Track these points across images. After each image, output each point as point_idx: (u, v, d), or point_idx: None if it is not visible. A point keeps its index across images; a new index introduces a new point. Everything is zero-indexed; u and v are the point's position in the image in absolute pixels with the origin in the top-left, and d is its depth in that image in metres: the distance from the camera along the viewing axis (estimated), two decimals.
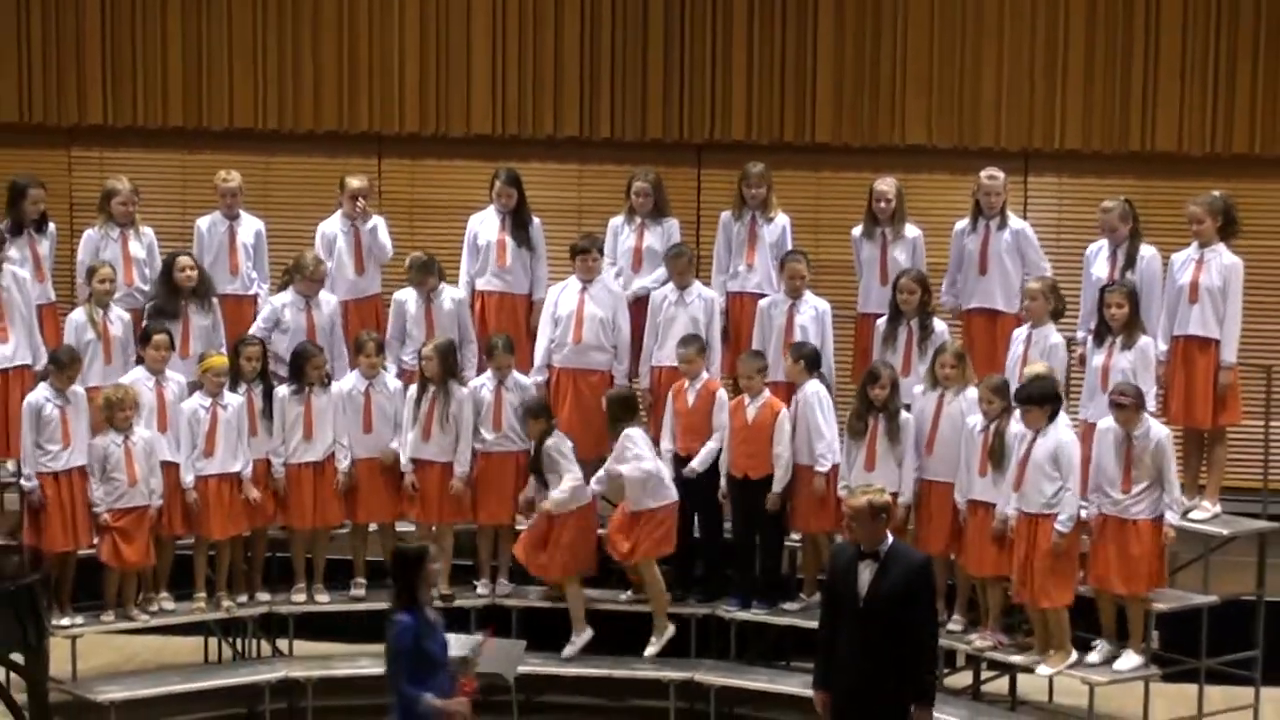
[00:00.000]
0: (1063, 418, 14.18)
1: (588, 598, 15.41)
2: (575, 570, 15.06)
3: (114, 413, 14.62)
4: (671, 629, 14.97)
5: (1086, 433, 14.44)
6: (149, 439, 14.81)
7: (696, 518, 15.43)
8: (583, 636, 14.91)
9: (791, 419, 15.04)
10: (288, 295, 15.74)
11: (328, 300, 15.81)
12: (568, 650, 14.89)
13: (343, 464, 15.32)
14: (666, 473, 15.07)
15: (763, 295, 15.82)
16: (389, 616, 10.94)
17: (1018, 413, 14.24)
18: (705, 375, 15.24)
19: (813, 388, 15.00)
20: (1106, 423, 14.20)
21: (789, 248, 15.89)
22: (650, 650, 15.09)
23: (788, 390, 15.17)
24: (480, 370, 15.67)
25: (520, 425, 15.36)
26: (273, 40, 18.53)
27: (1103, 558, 14.14)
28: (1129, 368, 14.54)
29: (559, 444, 14.97)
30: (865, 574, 12.09)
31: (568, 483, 14.79)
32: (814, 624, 12.76)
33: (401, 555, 11.23)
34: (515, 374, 15.46)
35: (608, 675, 15.25)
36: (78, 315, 15.42)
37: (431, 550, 11.46)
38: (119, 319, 15.42)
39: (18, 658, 13.73)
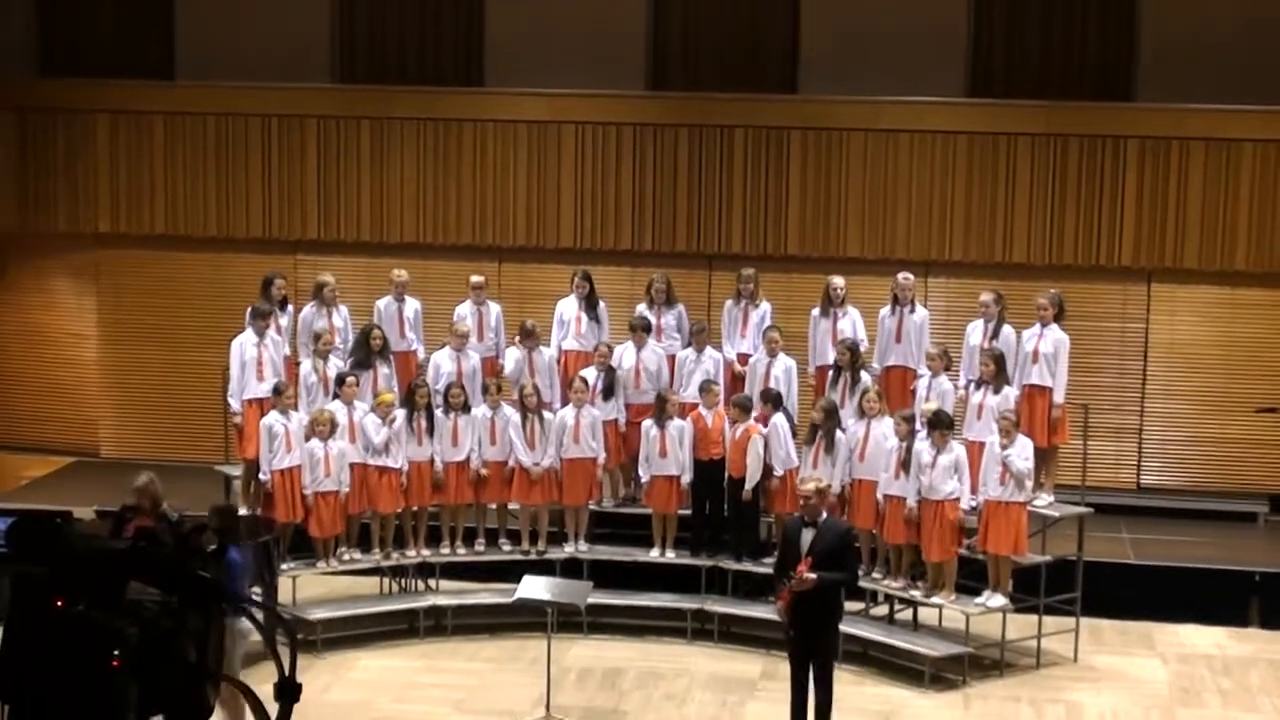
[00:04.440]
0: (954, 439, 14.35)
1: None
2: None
3: (317, 428, 14.76)
4: None
5: (969, 448, 14.43)
6: (341, 447, 14.83)
7: (707, 504, 15.37)
8: None
9: (764, 439, 14.97)
10: (446, 352, 15.73)
11: (468, 355, 15.77)
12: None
13: (475, 463, 15.32)
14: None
15: (750, 356, 15.77)
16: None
17: (921, 434, 14.33)
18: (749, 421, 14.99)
19: (778, 419, 14.96)
20: (992, 441, 14.27)
21: (769, 324, 15.81)
22: None
23: (764, 419, 14.98)
24: (564, 403, 15.56)
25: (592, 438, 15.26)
26: (428, 181, 18.32)
27: (989, 531, 14.23)
28: (996, 404, 14.54)
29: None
30: (807, 536, 12.53)
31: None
32: None
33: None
34: (589, 405, 15.33)
35: (645, 605, 15.32)
36: (306, 365, 15.47)
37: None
38: (333, 367, 15.40)
39: (257, 589, 13.68)
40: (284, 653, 3.58)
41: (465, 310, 16.25)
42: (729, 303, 16.33)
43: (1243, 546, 16.80)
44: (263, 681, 3.56)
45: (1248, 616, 15.78)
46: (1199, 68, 17.43)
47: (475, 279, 16.45)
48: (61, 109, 18.77)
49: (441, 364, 15.79)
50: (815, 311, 15.92)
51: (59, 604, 3.06)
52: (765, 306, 16.11)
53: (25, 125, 18.80)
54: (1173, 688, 14.32)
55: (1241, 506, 17.67)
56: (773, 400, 15.12)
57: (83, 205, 18.87)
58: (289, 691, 3.17)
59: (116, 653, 2.99)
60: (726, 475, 15.26)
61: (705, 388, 15.33)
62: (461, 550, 15.62)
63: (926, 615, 14.90)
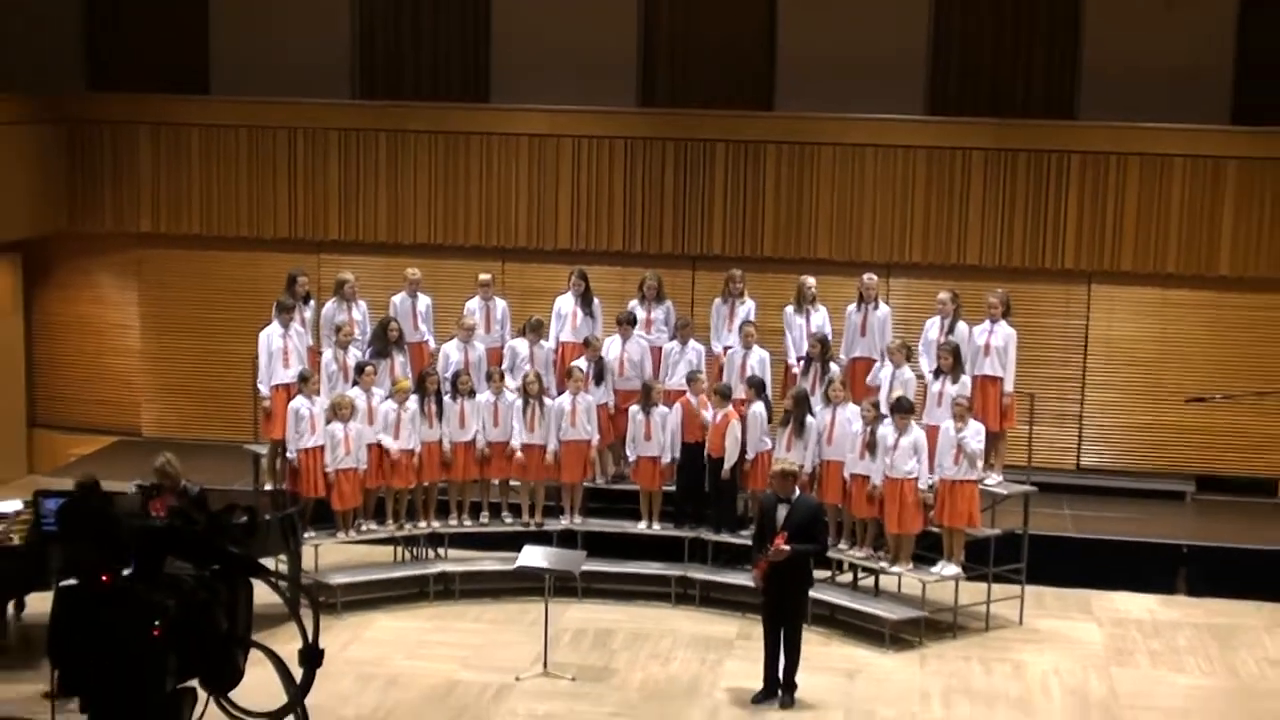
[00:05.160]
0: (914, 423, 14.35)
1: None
2: None
3: (338, 412, 14.75)
4: None
5: (929, 431, 14.46)
6: (359, 428, 14.83)
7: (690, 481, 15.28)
8: None
9: (742, 424, 14.89)
10: (455, 343, 15.71)
11: (475, 346, 15.74)
12: None
13: (480, 444, 15.30)
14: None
15: (730, 348, 15.72)
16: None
17: (886, 419, 14.37)
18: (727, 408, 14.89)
19: (756, 407, 14.94)
20: (947, 425, 14.32)
21: (750, 319, 15.76)
22: None
23: (743, 404, 14.92)
24: (560, 389, 15.49)
25: (587, 422, 15.27)
26: (439, 188, 18.25)
27: (944, 506, 14.31)
28: (953, 393, 14.56)
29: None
30: (781, 511, 12.64)
31: None
32: None
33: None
34: (583, 392, 15.28)
35: (634, 572, 15.32)
36: (328, 354, 15.41)
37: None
38: (352, 356, 15.36)
39: (283, 557, 13.87)
40: (307, 621, 3.60)
41: (474, 305, 16.23)
42: (717, 300, 16.24)
43: (1171, 522, 16.85)
44: (286, 644, 3.58)
45: (1175, 585, 15.84)
46: (1135, 89, 17.47)
47: (483, 277, 16.41)
48: (107, 121, 18.74)
49: (450, 354, 15.74)
50: (789, 309, 15.90)
51: (105, 579, 3.08)
52: (750, 304, 16.06)
53: (74, 136, 18.73)
54: (1107, 649, 14.36)
55: (1171, 486, 17.68)
56: (756, 386, 15.10)
57: (126, 208, 18.84)
58: (312, 657, 3.19)
59: (157, 623, 3.02)
60: (707, 455, 15.19)
61: (693, 378, 15.29)
62: (468, 522, 15.62)
63: (887, 582, 14.95)
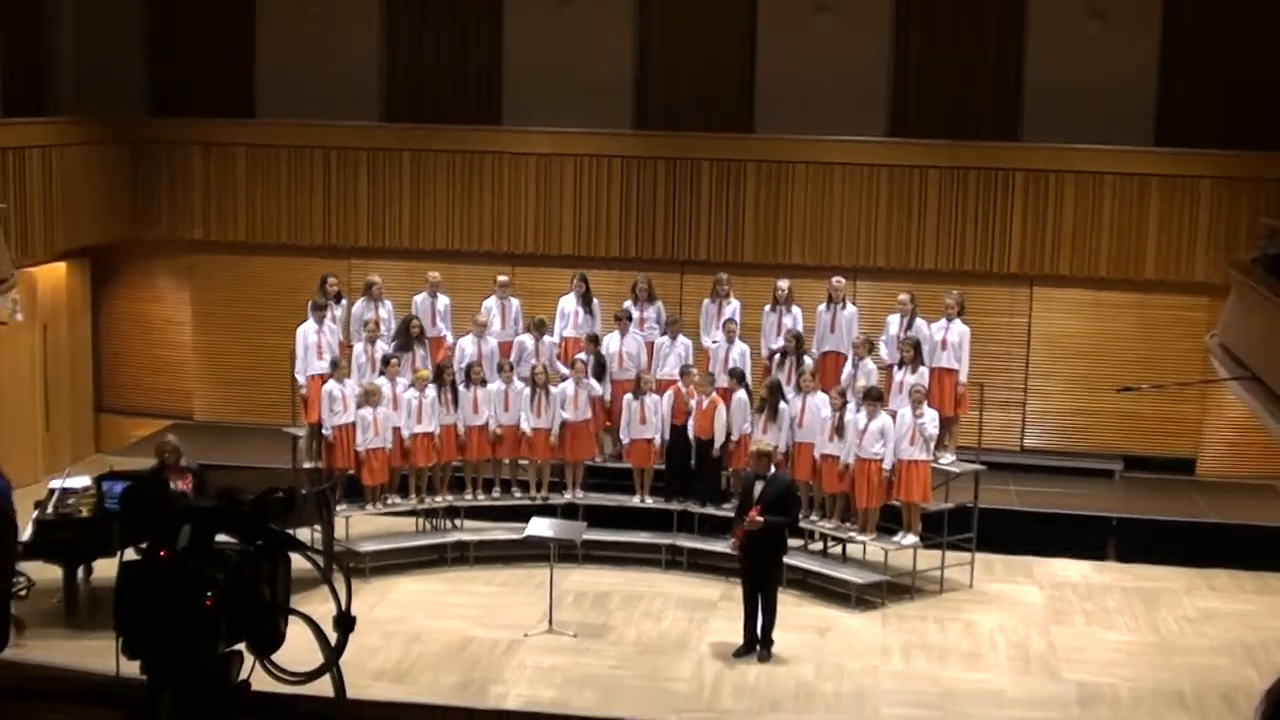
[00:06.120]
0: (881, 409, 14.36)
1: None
2: None
3: (368, 398, 14.75)
4: None
5: (891, 416, 14.41)
6: (386, 413, 14.81)
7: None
8: None
9: (727, 410, 14.91)
10: (469, 338, 15.67)
11: (488, 340, 15.70)
12: None
13: (492, 427, 15.27)
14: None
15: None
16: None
17: (851, 404, 14.36)
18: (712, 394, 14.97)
19: (739, 395, 14.96)
20: (905, 412, 14.35)
21: (734, 318, 15.76)
22: None
23: (726, 392, 15.00)
24: (563, 379, 15.42)
25: (586, 407, 15.23)
26: (457, 200, 18.18)
27: (903, 483, 14.34)
28: (913, 382, 14.59)
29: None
30: (758, 487, 12.67)
31: None
32: None
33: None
34: (586, 381, 15.29)
35: (628, 540, 15.32)
36: (358, 348, 15.42)
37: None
38: (379, 350, 15.36)
39: (318, 527, 13.78)
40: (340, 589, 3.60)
41: (491, 303, 16.20)
42: (706, 300, 16.23)
43: (1103, 497, 16.87)
44: (320, 606, 3.57)
45: (1106, 552, 15.87)
46: (1071, 116, 17.39)
47: (501, 278, 16.43)
48: (164, 141, 18.66)
49: (465, 347, 15.71)
50: (768, 308, 15.92)
51: (162, 555, 3.09)
52: (735, 304, 16.02)
53: (137, 156, 18.65)
54: (1047, 609, 14.40)
55: (1102, 465, 17.68)
56: (738, 377, 15.09)
57: (181, 219, 18.77)
58: (346, 623, 3.20)
59: (210, 594, 3.03)
60: (694, 437, 15.22)
61: (685, 371, 15.26)
62: (481, 496, 15.60)
63: (853, 550, 15.00)
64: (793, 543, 13.92)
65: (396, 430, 15.02)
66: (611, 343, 15.74)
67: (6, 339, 15.73)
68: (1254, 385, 11.51)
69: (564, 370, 15.62)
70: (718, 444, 15.00)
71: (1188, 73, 17.76)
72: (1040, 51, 17.82)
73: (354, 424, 14.81)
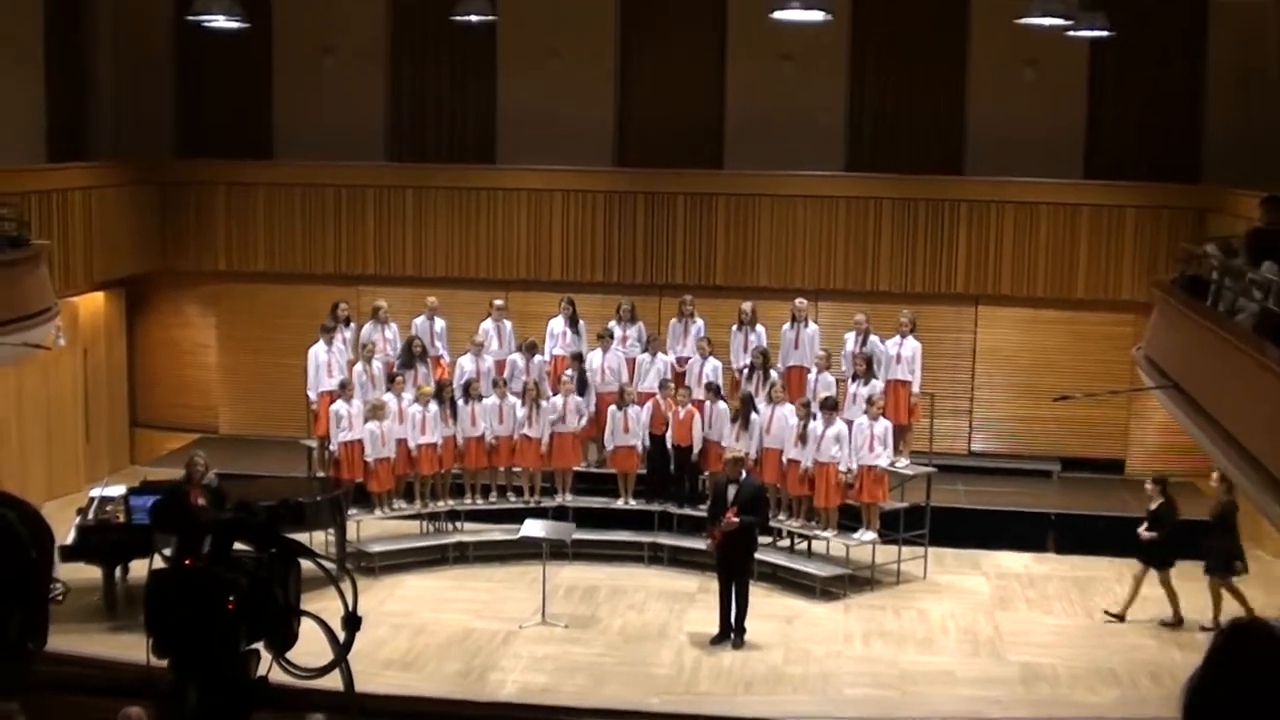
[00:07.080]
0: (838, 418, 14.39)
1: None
2: None
3: (375, 413, 14.74)
4: None
5: (848, 425, 14.39)
6: (392, 426, 14.83)
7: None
8: None
9: (704, 420, 14.93)
10: (468, 357, 15.63)
11: (484, 359, 15.68)
12: None
13: (488, 438, 15.23)
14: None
15: (688, 358, 15.78)
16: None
17: (816, 415, 14.35)
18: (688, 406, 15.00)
19: (719, 405, 14.95)
20: (861, 421, 14.36)
21: (702, 335, 15.81)
22: None
23: (701, 404, 15.05)
24: (553, 394, 15.32)
25: (578, 417, 15.19)
26: (455, 232, 18.13)
27: (863, 484, 14.33)
28: (866, 394, 14.63)
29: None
30: (731, 490, 12.73)
31: None
32: None
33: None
34: (573, 395, 15.29)
35: (613, 539, 15.30)
36: (359, 367, 15.40)
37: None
38: (375, 368, 15.38)
39: (331, 531, 13.88)
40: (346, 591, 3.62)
41: (488, 325, 16.18)
42: (673, 320, 16.32)
43: (1042, 494, 16.89)
44: (328, 604, 3.59)
45: (1046, 545, 15.88)
46: (1010, 152, 17.42)
47: (497, 302, 16.43)
48: (191, 182, 18.63)
49: (464, 365, 15.71)
50: (734, 327, 15.96)
51: (188, 563, 3.11)
52: (700, 322, 16.08)
53: (166, 194, 18.62)
54: (993, 597, 14.42)
55: (1042, 466, 17.68)
56: (714, 390, 15.13)
57: (206, 251, 18.72)
58: (353, 623, 3.21)
59: (232, 598, 3.05)
60: (672, 444, 15.22)
61: (664, 385, 15.28)
62: (479, 501, 15.62)
63: (818, 546, 15.00)
64: (763, 540, 13.94)
65: (401, 441, 15.00)
66: (594, 359, 15.73)
67: (51, 362, 15.70)
68: (1175, 393, 11.59)
69: (549, 392, 15.56)
70: (695, 450, 15.02)
71: (1113, 113, 17.87)
72: (981, 95, 17.88)
73: (360, 439, 14.77)
